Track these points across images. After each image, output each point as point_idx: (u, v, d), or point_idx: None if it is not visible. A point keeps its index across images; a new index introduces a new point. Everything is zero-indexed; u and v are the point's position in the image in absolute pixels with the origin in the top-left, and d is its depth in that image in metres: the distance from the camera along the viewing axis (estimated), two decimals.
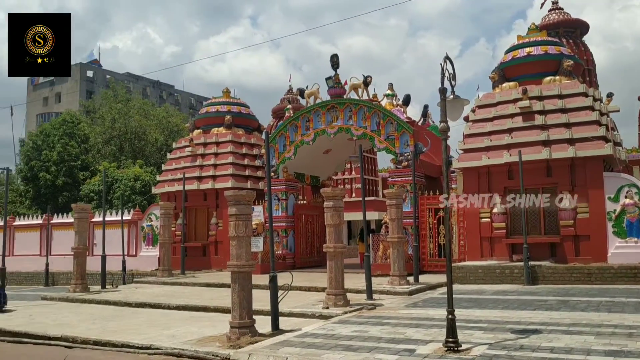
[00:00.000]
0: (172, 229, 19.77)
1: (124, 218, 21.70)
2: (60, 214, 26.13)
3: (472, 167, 16.47)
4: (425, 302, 11.91)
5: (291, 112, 20.71)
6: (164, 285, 16.78)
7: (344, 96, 19.01)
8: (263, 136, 20.33)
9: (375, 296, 12.26)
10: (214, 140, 22.15)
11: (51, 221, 25.16)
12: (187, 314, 11.82)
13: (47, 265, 22.98)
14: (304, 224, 20.82)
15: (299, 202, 21.21)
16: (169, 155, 23.59)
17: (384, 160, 28.06)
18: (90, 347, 9.13)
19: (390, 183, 17.75)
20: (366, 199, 13.33)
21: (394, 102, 19.03)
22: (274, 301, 9.27)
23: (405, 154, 17.48)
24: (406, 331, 8.57)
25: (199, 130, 23.05)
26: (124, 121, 41.53)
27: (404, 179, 17.34)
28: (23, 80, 74.71)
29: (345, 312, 10.53)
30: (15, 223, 26.75)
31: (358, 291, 12.69)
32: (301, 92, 20.69)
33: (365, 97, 18.91)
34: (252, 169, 21.83)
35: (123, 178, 33.25)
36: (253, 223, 19.98)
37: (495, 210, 15.93)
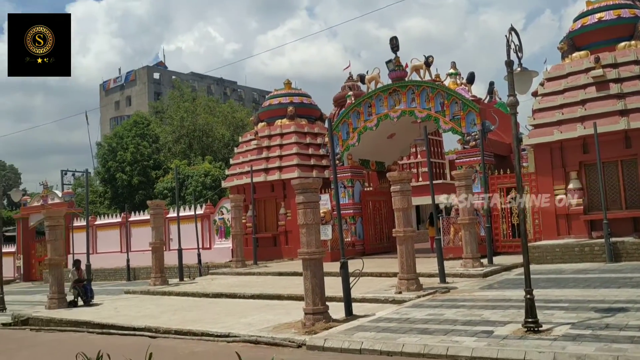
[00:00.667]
0: (243, 220, 20.25)
1: (197, 212, 22.40)
2: (137, 212, 27.33)
3: (544, 142, 15.83)
4: (500, 283, 11.61)
5: (352, 99, 20.62)
6: (238, 275, 17.22)
7: (406, 78, 18.72)
8: (326, 125, 20.40)
9: (448, 279, 12.08)
10: (278, 132, 22.41)
11: (129, 219, 26.35)
12: (261, 302, 12.08)
13: (127, 261, 24.13)
14: (372, 210, 20.75)
15: (365, 189, 21.15)
16: (235, 150, 24.09)
17: (450, 142, 27.50)
18: (172, 336, 9.52)
19: (458, 164, 17.36)
20: (433, 182, 13.11)
21: (458, 81, 18.53)
22: (346, 287, 9.30)
23: (473, 134, 17.03)
24: (483, 313, 8.39)
25: (263, 123, 23.38)
26: (192, 119, 42.79)
27: (472, 159, 16.91)
28: (95, 86, 78.45)
29: (419, 296, 10.43)
30: (96, 222, 28.22)
31: (430, 275, 12.53)
32: (361, 78, 20.55)
33: (427, 78, 18.55)
34: (317, 158, 21.94)
35: (194, 174, 34.31)
36: (320, 211, 20.27)
37: (570, 186, 15.27)
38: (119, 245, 26.69)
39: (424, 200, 21.69)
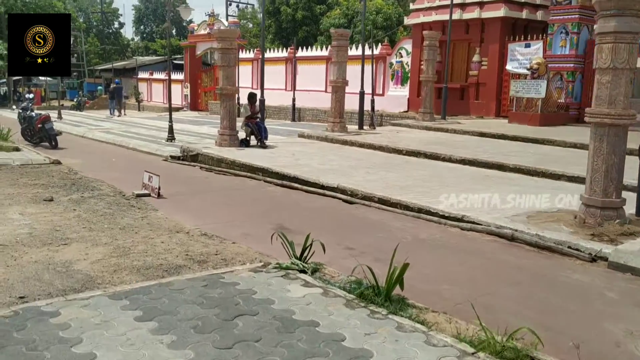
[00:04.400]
0: (421, 66, 16.97)
1: (371, 53, 19.38)
2: (302, 48, 24.96)
3: None
4: None
5: None
6: (427, 130, 14.40)
7: None
8: None
9: None
10: None
11: (296, 55, 24.15)
12: (476, 171, 9.27)
13: (293, 100, 22.33)
14: None
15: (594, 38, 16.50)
16: None
17: None
18: (375, 205, 7.16)
19: None
20: None
21: None
22: None
23: None
24: None
25: None
26: None
27: None
28: None
29: None
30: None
31: None
32: None
33: None
34: None
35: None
36: (533, 62, 16.26)
37: None
38: (284, 82, 24.88)
39: None
